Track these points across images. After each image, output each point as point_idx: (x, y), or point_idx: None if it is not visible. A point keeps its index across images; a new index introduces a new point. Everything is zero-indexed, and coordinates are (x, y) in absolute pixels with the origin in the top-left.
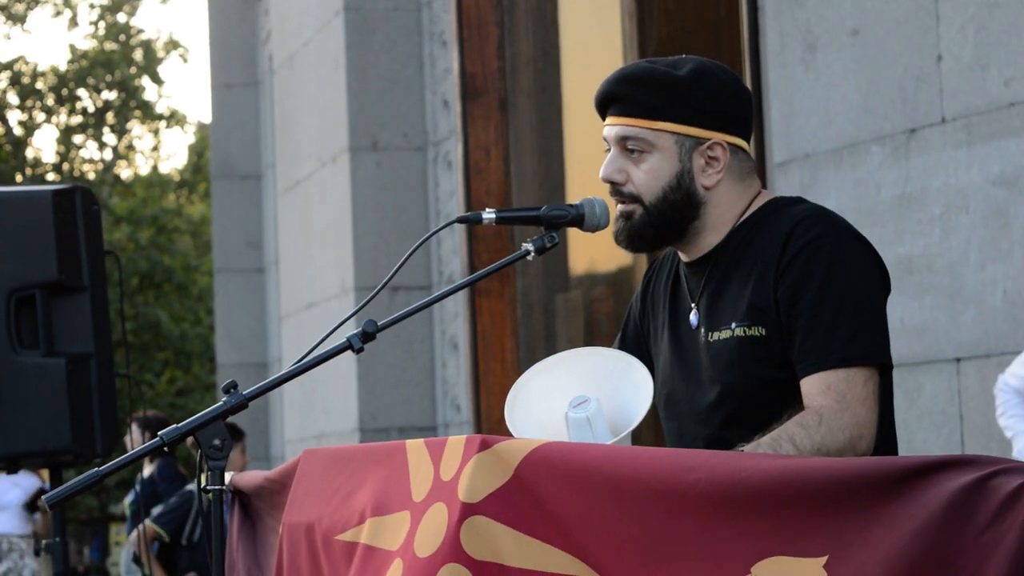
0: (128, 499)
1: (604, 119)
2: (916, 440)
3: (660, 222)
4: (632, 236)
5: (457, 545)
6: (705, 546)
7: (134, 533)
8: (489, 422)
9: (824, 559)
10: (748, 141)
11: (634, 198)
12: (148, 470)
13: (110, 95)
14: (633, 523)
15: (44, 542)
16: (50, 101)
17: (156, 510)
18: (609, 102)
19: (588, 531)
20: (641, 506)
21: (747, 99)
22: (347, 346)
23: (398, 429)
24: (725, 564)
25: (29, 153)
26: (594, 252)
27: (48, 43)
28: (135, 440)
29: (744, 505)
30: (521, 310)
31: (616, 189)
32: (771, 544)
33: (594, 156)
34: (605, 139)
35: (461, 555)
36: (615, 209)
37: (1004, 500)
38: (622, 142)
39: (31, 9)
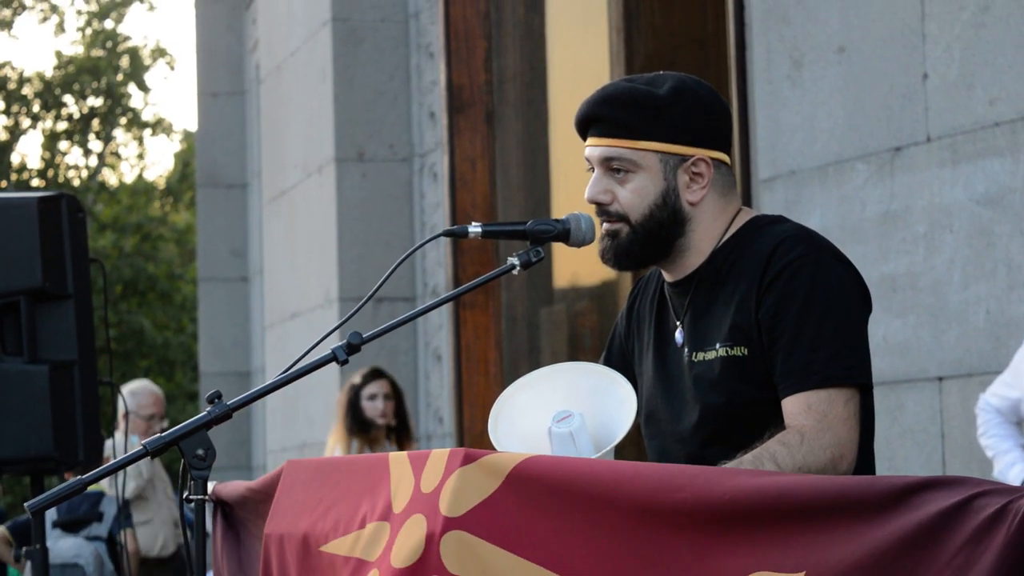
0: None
1: (584, 139)
2: (897, 458)
3: (647, 240)
4: (619, 255)
5: (437, 559)
6: (695, 562)
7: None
8: (472, 434)
9: (802, 574)
10: (728, 154)
11: (621, 217)
12: None
13: (96, 102)
14: (621, 540)
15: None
16: (36, 107)
17: None
18: (591, 123)
19: (573, 547)
20: (629, 523)
21: (726, 113)
22: (332, 358)
23: None
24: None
25: (14, 159)
26: (578, 267)
27: (34, 49)
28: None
29: (732, 523)
30: (505, 323)
31: (602, 209)
32: (756, 560)
33: (579, 170)
34: (588, 159)
35: (441, 569)
36: (601, 228)
37: (984, 522)
38: (606, 163)
39: (18, 15)
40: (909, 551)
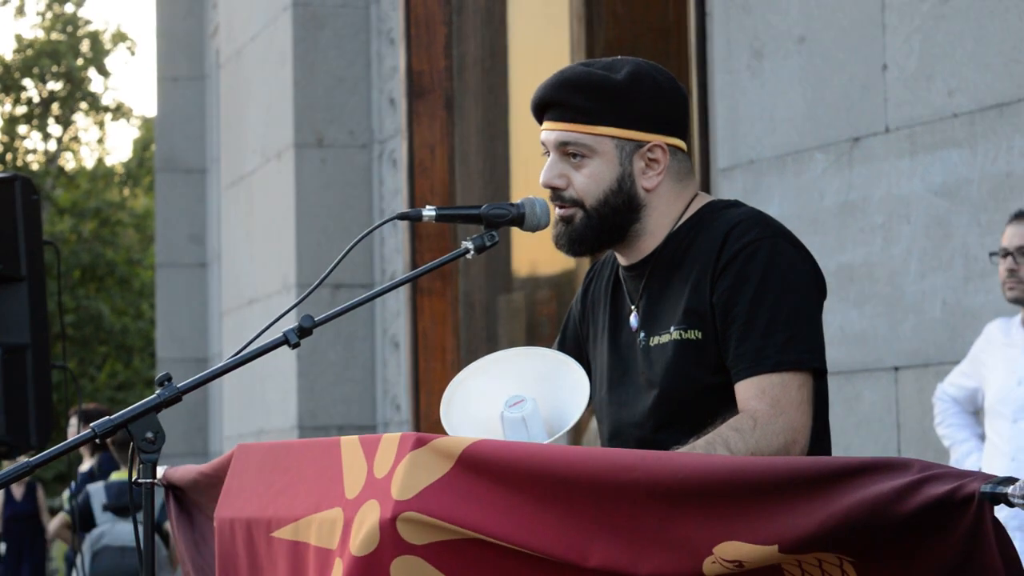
0: (66, 494)
1: (540, 123)
2: (853, 447)
3: (601, 226)
4: (573, 240)
5: (398, 539)
6: (663, 530)
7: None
8: (428, 421)
9: (774, 547)
10: (685, 141)
11: (575, 202)
12: (87, 464)
13: (56, 86)
14: (581, 508)
15: None
16: None
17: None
18: (547, 107)
19: (531, 519)
20: (589, 494)
21: (684, 99)
22: (283, 341)
23: (337, 427)
24: (688, 544)
25: None
26: (537, 254)
27: None
28: (74, 433)
29: (689, 499)
30: (463, 310)
31: (557, 194)
32: (724, 530)
33: (539, 157)
34: (543, 143)
35: (405, 546)
36: (554, 213)
37: (932, 504)
38: (562, 147)
39: None
40: (856, 530)
